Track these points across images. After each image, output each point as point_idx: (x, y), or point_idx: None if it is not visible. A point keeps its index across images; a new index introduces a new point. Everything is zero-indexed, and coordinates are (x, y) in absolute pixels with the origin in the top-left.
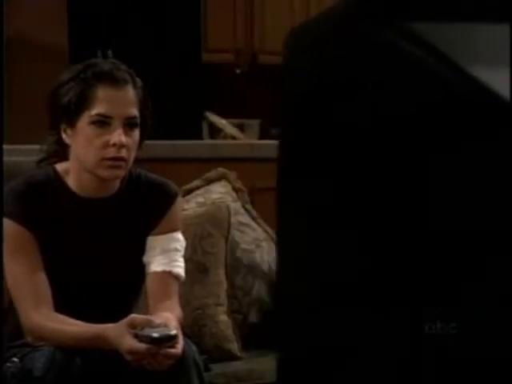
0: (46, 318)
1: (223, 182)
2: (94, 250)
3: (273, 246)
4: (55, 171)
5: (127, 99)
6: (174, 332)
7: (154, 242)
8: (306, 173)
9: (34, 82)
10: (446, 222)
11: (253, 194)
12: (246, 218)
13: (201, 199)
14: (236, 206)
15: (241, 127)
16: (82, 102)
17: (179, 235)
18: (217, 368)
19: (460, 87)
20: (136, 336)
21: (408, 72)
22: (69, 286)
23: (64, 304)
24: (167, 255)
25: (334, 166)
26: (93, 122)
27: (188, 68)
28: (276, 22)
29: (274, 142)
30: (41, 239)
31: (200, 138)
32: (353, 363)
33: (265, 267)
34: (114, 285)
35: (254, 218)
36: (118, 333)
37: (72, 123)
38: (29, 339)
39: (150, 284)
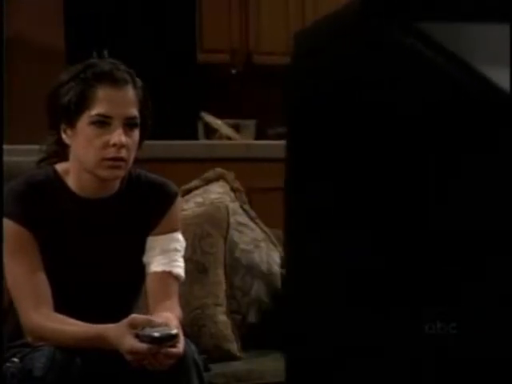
0: (45, 318)
1: (221, 183)
2: (94, 250)
3: (271, 247)
4: (55, 171)
5: (127, 99)
6: (174, 331)
7: (153, 242)
8: (313, 173)
9: (31, 82)
10: (446, 222)
11: (249, 194)
12: (244, 219)
13: (199, 199)
14: (234, 206)
15: (236, 127)
16: (82, 102)
17: (179, 235)
18: (216, 368)
19: (469, 86)
20: (137, 336)
21: (417, 71)
22: (69, 286)
23: (64, 304)
24: (167, 255)
25: (340, 167)
26: (93, 122)
27: (183, 68)
28: (271, 22)
29: (271, 143)
30: (41, 239)
31: (196, 138)
32: (353, 363)
33: (263, 267)
34: (113, 285)
35: (252, 219)
36: (118, 333)
37: (72, 123)
38: (29, 339)
39: (150, 284)
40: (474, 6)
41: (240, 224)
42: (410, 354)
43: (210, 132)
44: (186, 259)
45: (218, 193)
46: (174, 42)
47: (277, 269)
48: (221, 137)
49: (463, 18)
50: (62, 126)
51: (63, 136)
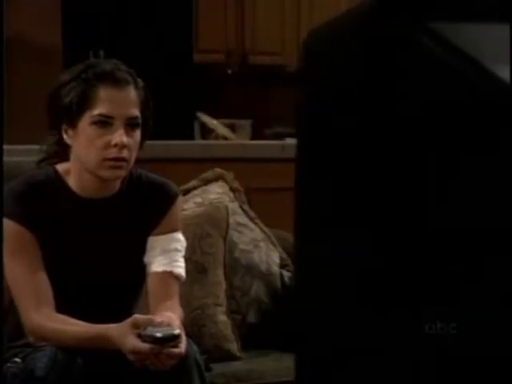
0: (47, 319)
1: (220, 183)
2: (95, 250)
3: (271, 247)
4: (56, 171)
5: (129, 99)
6: (177, 331)
7: (154, 242)
8: (321, 173)
9: (27, 81)
10: (446, 222)
11: (247, 194)
12: (243, 219)
13: (198, 199)
14: (233, 206)
15: (232, 127)
16: (84, 103)
17: (180, 235)
18: (216, 368)
19: (482, 87)
20: (139, 336)
21: (430, 71)
22: (69, 286)
23: (64, 304)
24: (168, 255)
25: (346, 166)
26: (94, 123)
27: (179, 68)
28: (267, 22)
29: (268, 143)
30: (41, 239)
31: (192, 138)
32: (353, 362)
33: (263, 267)
34: (114, 285)
35: (251, 219)
36: (120, 333)
37: (73, 123)
38: (30, 339)
39: (150, 284)
40: (490, 7)
41: (239, 224)
42: (410, 354)
43: (206, 132)
44: (186, 259)
45: (217, 193)
46: (171, 42)
47: (276, 269)
48: (217, 137)
49: (463, 17)
50: (64, 127)
51: (64, 136)
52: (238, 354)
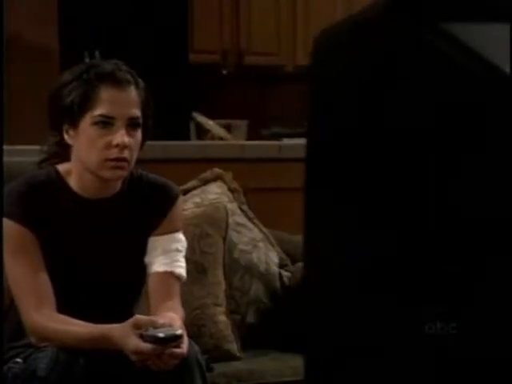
0: (48, 319)
1: (219, 183)
2: (95, 251)
3: (269, 247)
4: (57, 172)
5: (130, 100)
6: (179, 332)
7: (155, 242)
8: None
9: (24, 81)
10: (446, 222)
11: (245, 194)
12: (242, 219)
13: (197, 200)
14: (232, 206)
15: (228, 128)
16: (85, 103)
17: (180, 236)
18: (217, 368)
19: (497, 86)
20: (141, 336)
21: (443, 71)
22: (70, 287)
23: (65, 304)
24: (169, 256)
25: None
26: (96, 123)
27: (175, 69)
28: (262, 23)
29: (265, 143)
30: (42, 239)
31: (188, 138)
32: (353, 362)
33: (262, 268)
34: (114, 285)
35: (250, 219)
36: (122, 333)
37: (74, 124)
38: (32, 340)
39: (151, 284)
40: (473, 6)
41: (238, 224)
42: (410, 354)
43: (202, 132)
44: (186, 259)
45: (215, 193)
46: (166, 43)
47: (275, 269)
48: (213, 137)
49: (463, 17)
50: (65, 127)
51: (65, 136)
52: (238, 354)
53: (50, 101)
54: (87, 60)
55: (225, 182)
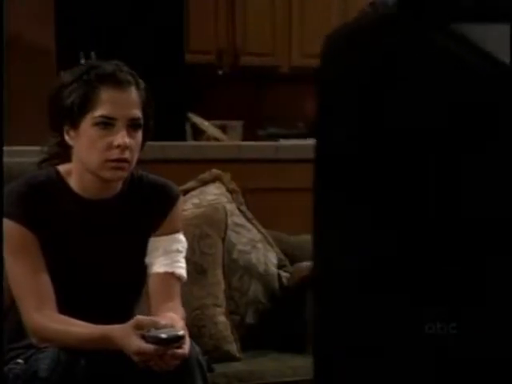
0: (49, 320)
1: (217, 184)
2: (96, 251)
3: (268, 247)
4: (57, 172)
5: (130, 101)
6: (181, 332)
7: (156, 243)
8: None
9: (21, 82)
10: (446, 222)
11: (243, 195)
12: (241, 219)
13: (196, 200)
14: (231, 207)
15: (223, 128)
16: (86, 104)
17: (181, 236)
18: (218, 368)
19: (502, 86)
20: (143, 337)
21: (448, 70)
22: (70, 287)
23: (65, 304)
24: (169, 256)
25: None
26: (96, 124)
27: (170, 69)
28: (258, 23)
29: (262, 144)
30: (43, 240)
31: (184, 139)
32: (353, 362)
33: (261, 268)
34: (115, 285)
35: (249, 219)
36: (124, 334)
37: (75, 125)
38: (33, 340)
39: (152, 285)
40: (474, 6)
41: (237, 225)
42: (410, 354)
43: (198, 133)
44: (185, 260)
45: (214, 194)
46: (162, 43)
47: (274, 269)
48: (208, 138)
49: (464, 18)
50: (65, 128)
51: (66, 137)
52: (238, 355)
53: (51, 102)
54: (83, 61)
55: (223, 183)
